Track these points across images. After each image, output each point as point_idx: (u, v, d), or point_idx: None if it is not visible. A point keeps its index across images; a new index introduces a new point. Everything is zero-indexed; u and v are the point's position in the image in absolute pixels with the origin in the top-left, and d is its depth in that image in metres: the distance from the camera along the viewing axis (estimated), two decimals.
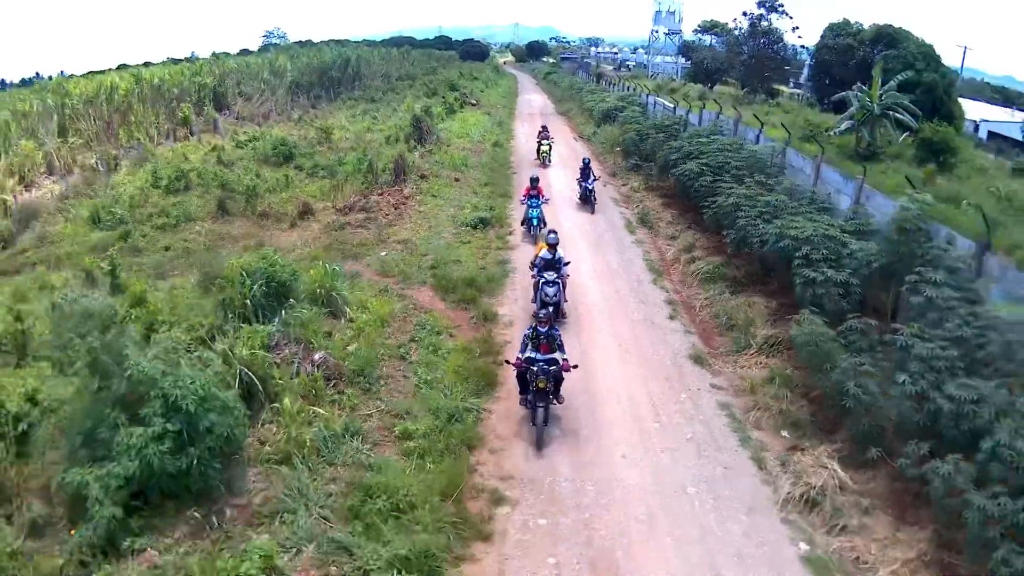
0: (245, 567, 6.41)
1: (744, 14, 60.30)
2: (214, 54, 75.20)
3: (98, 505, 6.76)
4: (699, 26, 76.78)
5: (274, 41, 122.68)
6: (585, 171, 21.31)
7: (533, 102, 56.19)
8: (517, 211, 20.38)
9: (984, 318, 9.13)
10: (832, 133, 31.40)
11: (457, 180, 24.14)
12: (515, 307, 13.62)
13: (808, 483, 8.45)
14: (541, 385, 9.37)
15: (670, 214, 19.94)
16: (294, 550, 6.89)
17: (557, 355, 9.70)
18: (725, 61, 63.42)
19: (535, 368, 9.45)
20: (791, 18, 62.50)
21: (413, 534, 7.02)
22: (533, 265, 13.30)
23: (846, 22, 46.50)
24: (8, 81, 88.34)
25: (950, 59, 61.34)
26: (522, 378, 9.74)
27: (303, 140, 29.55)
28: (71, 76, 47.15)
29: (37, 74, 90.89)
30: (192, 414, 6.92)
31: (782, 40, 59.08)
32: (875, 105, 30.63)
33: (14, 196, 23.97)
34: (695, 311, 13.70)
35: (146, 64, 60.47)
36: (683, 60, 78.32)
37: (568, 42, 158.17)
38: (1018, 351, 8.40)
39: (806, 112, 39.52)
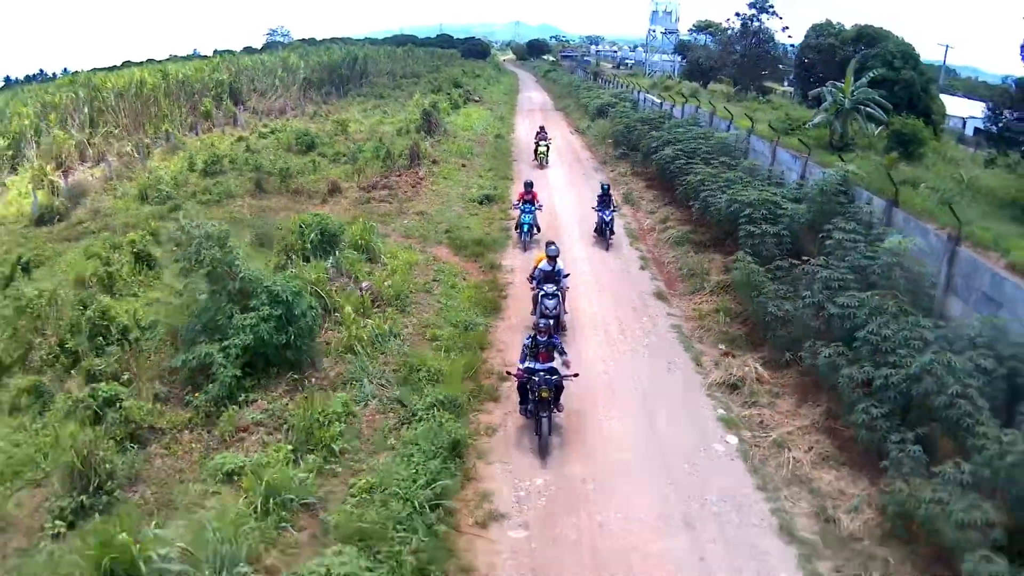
0: (332, 406, 9.41)
1: (737, 14, 63.42)
2: (217, 51, 78.09)
3: (222, 368, 9.77)
4: (694, 26, 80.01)
5: (278, 39, 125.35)
6: (604, 198, 18.31)
7: (533, 99, 59.23)
8: (517, 191, 23.36)
9: (878, 252, 12.12)
10: (808, 126, 34.66)
11: (464, 166, 27.17)
12: (515, 261, 16.63)
13: (732, 374, 11.44)
14: (543, 395, 9.43)
15: (651, 194, 22.93)
16: (363, 403, 9.88)
17: (557, 361, 9.89)
18: (719, 60, 66.52)
19: (536, 379, 9.55)
20: (781, 18, 65.48)
21: (445, 402, 9.99)
22: (532, 277, 13.17)
23: (828, 23, 49.58)
24: (14, 77, 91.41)
25: (935, 56, 64.37)
26: (523, 389, 9.80)
27: (321, 132, 32.57)
28: (95, 71, 50.09)
29: (41, 71, 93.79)
30: (289, 303, 9.96)
31: (773, 40, 62.11)
32: (847, 100, 33.91)
33: (64, 177, 26.97)
34: (663, 265, 16.74)
35: (149, 61, 63.68)
36: (679, 59, 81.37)
37: (568, 41, 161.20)
38: (894, 271, 11.38)
39: (787, 107, 42.62)
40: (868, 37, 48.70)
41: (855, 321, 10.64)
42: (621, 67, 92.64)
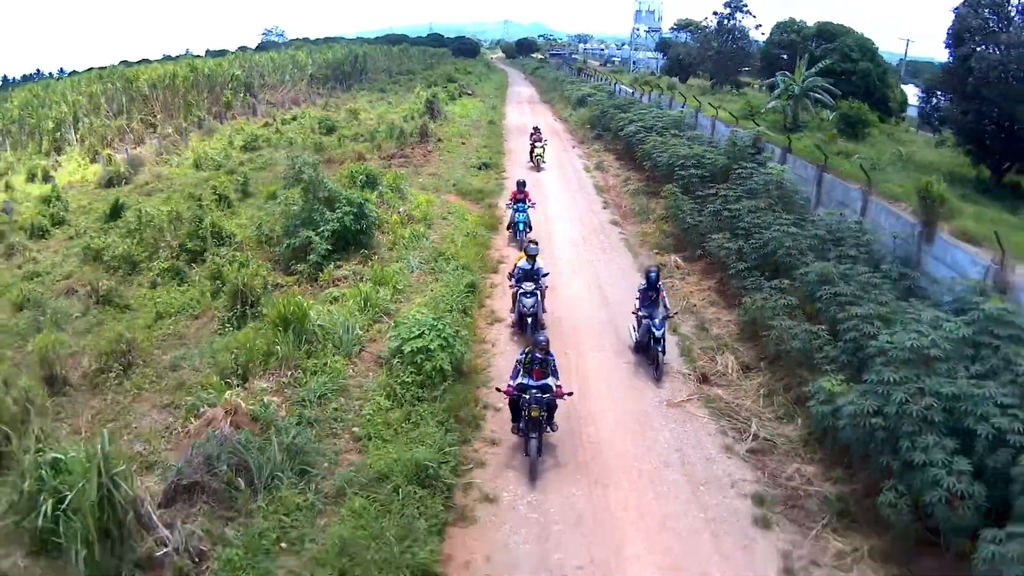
0: (391, 269, 14.90)
1: (715, 13, 69.58)
2: (208, 51, 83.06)
3: (318, 245, 15.25)
4: (675, 24, 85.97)
5: (273, 39, 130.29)
6: (649, 293, 12.44)
7: (522, 93, 64.88)
8: (508, 161, 29.03)
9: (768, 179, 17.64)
10: (764, 111, 40.78)
11: (463, 143, 32.70)
12: (506, 199, 22.12)
13: (674, 287, 16.99)
14: (534, 414, 9.24)
15: (618, 164, 28.56)
16: (410, 271, 15.35)
17: (550, 380, 9.63)
18: (697, 56, 72.39)
19: (527, 396, 9.34)
20: (755, 17, 71.40)
21: (464, 268, 15.42)
22: (511, 276, 13.64)
23: (792, 20, 55.50)
24: (12, 77, 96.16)
25: (899, 50, 70.42)
26: (514, 406, 9.59)
27: (337, 118, 38.04)
28: (91, 69, 55.44)
29: (38, 71, 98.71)
30: (360, 205, 15.47)
31: (747, 37, 68.08)
32: (796, 87, 40.09)
33: (126, 150, 32.37)
34: (621, 207, 22.34)
35: (145, 61, 69.25)
36: (661, 56, 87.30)
37: (555, 39, 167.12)
38: (770, 187, 16.85)
39: (750, 97, 48.53)
40: (828, 33, 54.51)
41: (739, 219, 16.17)
42: (608, 64, 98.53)
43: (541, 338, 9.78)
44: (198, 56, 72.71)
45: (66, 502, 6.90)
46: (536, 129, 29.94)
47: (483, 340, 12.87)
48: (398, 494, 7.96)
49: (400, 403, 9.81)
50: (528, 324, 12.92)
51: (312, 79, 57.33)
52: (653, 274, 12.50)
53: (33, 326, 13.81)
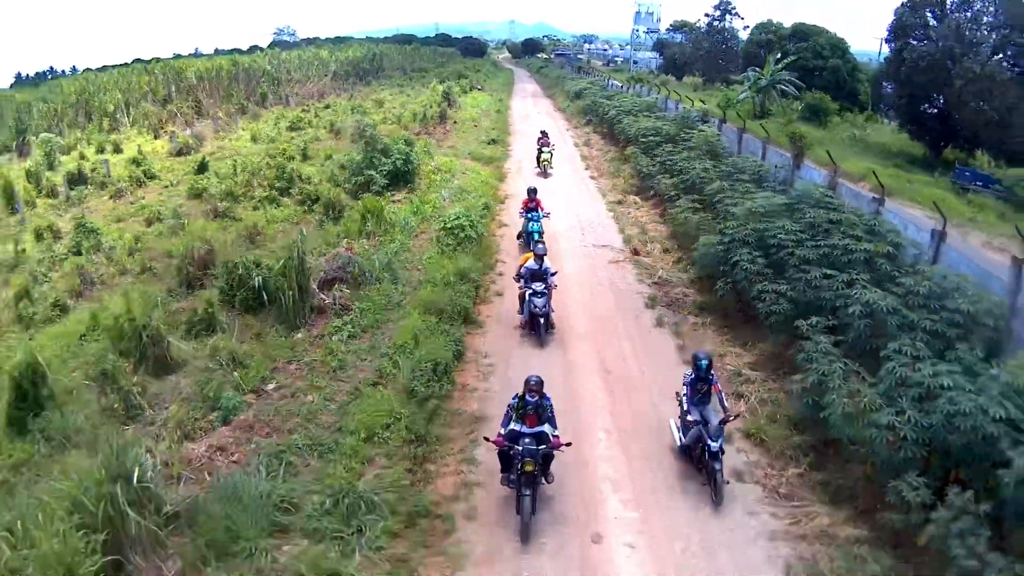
0: (430, 197, 21.72)
1: (706, 15, 76.44)
2: (218, 50, 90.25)
3: (378, 181, 22.09)
4: (671, 26, 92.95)
5: (285, 38, 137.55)
6: (698, 384, 9.86)
7: (527, 89, 71.90)
8: (513, 139, 35.89)
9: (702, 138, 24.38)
10: (736, 102, 47.62)
11: (475, 126, 39.56)
12: (510, 164, 28.97)
13: (620, 201, 23.74)
14: (528, 468, 8.55)
15: (602, 141, 35.44)
16: (443, 199, 22.12)
17: (546, 428, 8.97)
18: (690, 56, 79.12)
19: (519, 448, 8.68)
20: (743, 19, 78.20)
21: (480, 196, 22.12)
22: (519, 276, 13.81)
23: (769, 22, 62.24)
24: (25, 74, 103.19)
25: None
26: (505, 456, 8.95)
27: (366, 106, 44.98)
28: (105, 67, 62.70)
29: (52, 68, 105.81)
30: (408, 153, 22.42)
31: (736, 37, 74.86)
32: (764, 80, 47.03)
33: (187, 128, 39.28)
34: (600, 170, 29.17)
35: (155, 60, 76.51)
36: (658, 55, 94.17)
37: (559, 40, 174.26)
38: (702, 143, 23.55)
39: (728, 92, 55.26)
40: (803, 32, 61.12)
41: (676, 164, 22.83)
42: (610, 64, 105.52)
43: (534, 378, 9.00)
44: (228, 53, 79.75)
45: (275, 270, 13.59)
46: (544, 133, 30.00)
47: (492, 234, 19.66)
48: (450, 284, 14.66)
49: (445, 253, 16.53)
50: (540, 324, 13.36)
51: (335, 75, 64.37)
52: (704, 361, 9.69)
53: (175, 227, 20.47)
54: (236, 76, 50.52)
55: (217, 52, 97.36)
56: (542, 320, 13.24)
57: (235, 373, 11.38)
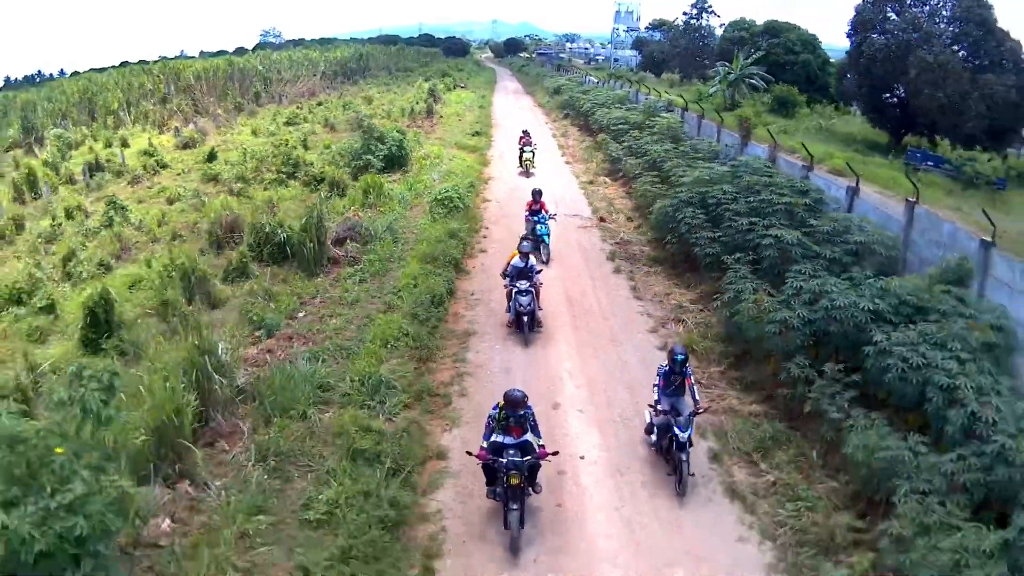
0: (421, 178, 24.64)
1: (684, 13, 79.75)
2: (203, 52, 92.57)
3: (375, 163, 25.04)
4: (650, 24, 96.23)
5: (271, 39, 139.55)
6: (673, 377, 10.15)
7: (508, 86, 74.97)
8: (495, 131, 38.89)
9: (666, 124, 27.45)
10: (708, 95, 50.88)
11: (460, 120, 42.51)
12: (493, 152, 31.95)
13: (591, 181, 26.75)
14: (514, 481, 8.37)
15: (578, 132, 38.57)
16: (432, 180, 25.01)
17: (530, 437, 8.80)
18: (668, 53, 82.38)
19: (504, 460, 8.49)
20: (719, 16, 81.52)
21: (465, 176, 25.08)
22: (505, 274, 13.85)
23: (743, 19, 65.55)
24: (13, 78, 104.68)
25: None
26: (489, 470, 8.73)
27: (356, 103, 47.81)
28: (92, 70, 65.22)
29: (39, 72, 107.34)
30: (400, 140, 25.42)
31: (713, 35, 78.18)
32: (733, 74, 50.38)
33: (190, 124, 41.94)
34: (575, 156, 32.24)
35: (141, 62, 79.09)
36: (637, 53, 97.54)
37: (540, 39, 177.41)
38: (665, 129, 26.62)
39: (700, 87, 58.50)
40: (775, 29, 64.24)
41: (641, 147, 25.86)
42: (592, 63, 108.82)
43: (516, 393, 8.76)
44: (214, 55, 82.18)
45: (296, 228, 16.48)
46: (525, 132, 30.01)
47: (477, 207, 22.61)
48: (442, 241, 17.56)
49: (437, 220, 19.43)
50: (524, 323, 13.59)
51: (323, 75, 67.12)
52: (680, 356, 10.01)
53: (196, 204, 23.27)
54: (232, 76, 53.22)
55: (203, 54, 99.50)
56: (526, 319, 13.49)
57: (271, 304, 14.25)
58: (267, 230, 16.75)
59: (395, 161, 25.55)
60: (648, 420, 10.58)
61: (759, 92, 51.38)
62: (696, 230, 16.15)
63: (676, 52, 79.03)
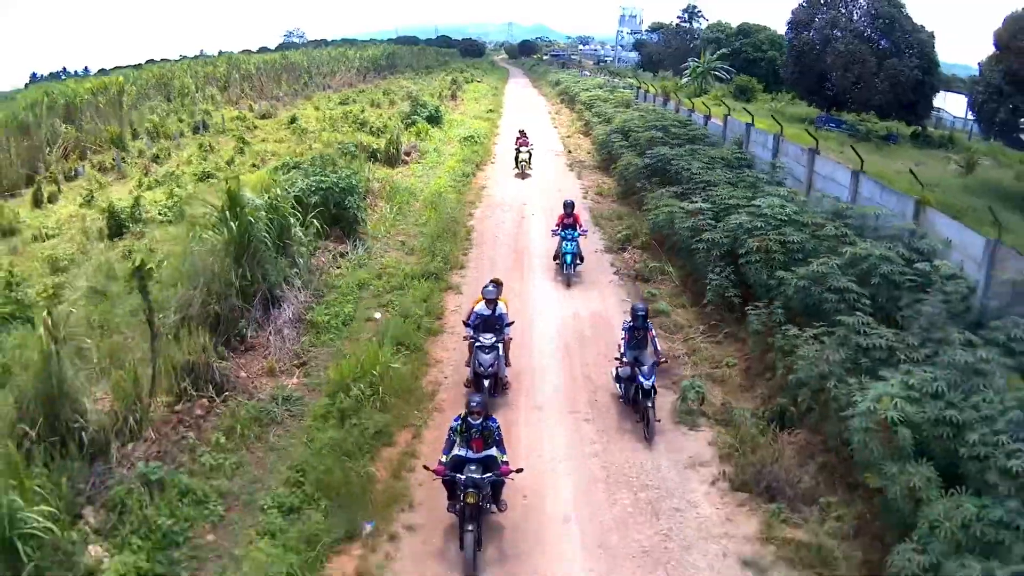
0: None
1: (677, 17, 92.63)
2: (221, 52, 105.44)
3: (421, 122, 37.79)
4: (649, 27, 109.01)
5: (294, 40, 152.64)
6: (636, 332, 11.14)
7: (519, 81, 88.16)
8: (505, 110, 51.64)
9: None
10: (682, 85, 63.69)
11: (476, 102, 55.29)
12: (502, 122, 44.61)
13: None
14: (471, 500, 7.97)
15: (569, 112, 51.09)
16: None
17: (494, 452, 8.47)
18: (663, 54, 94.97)
19: (462, 476, 8.12)
20: (707, 20, 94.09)
21: (479, 142, 37.63)
22: (467, 323, 11.55)
23: (719, 22, 78.33)
24: (40, 74, 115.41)
25: None
26: (451, 484, 8.35)
27: (393, 90, 60.71)
28: (118, 67, 78.51)
29: (64, 68, 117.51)
30: (437, 107, 38.37)
31: (700, 36, 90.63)
32: (701, 67, 63.25)
33: (260, 103, 54.93)
34: (561, 123, 44.92)
35: (163, 60, 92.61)
36: (637, 54, 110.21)
37: (551, 41, 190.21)
38: (630, 101, 39.09)
39: (677, 81, 71.17)
40: (747, 30, 76.96)
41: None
42: (600, 63, 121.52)
43: (476, 399, 8.50)
44: (201, 56, 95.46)
45: (381, 144, 29.24)
46: (522, 132, 29.85)
47: (489, 145, 35.19)
48: (466, 159, 30.21)
49: (463, 147, 32.07)
50: (485, 386, 10.98)
51: (357, 70, 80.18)
52: (641, 312, 10.92)
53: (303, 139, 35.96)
54: (285, 68, 66.28)
55: (221, 54, 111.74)
56: (485, 382, 11.06)
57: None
58: (367, 145, 29.58)
59: (433, 120, 38.12)
60: (614, 373, 11.29)
61: (724, 83, 64.28)
62: (620, 150, 28.72)
63: (669, 52, 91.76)
